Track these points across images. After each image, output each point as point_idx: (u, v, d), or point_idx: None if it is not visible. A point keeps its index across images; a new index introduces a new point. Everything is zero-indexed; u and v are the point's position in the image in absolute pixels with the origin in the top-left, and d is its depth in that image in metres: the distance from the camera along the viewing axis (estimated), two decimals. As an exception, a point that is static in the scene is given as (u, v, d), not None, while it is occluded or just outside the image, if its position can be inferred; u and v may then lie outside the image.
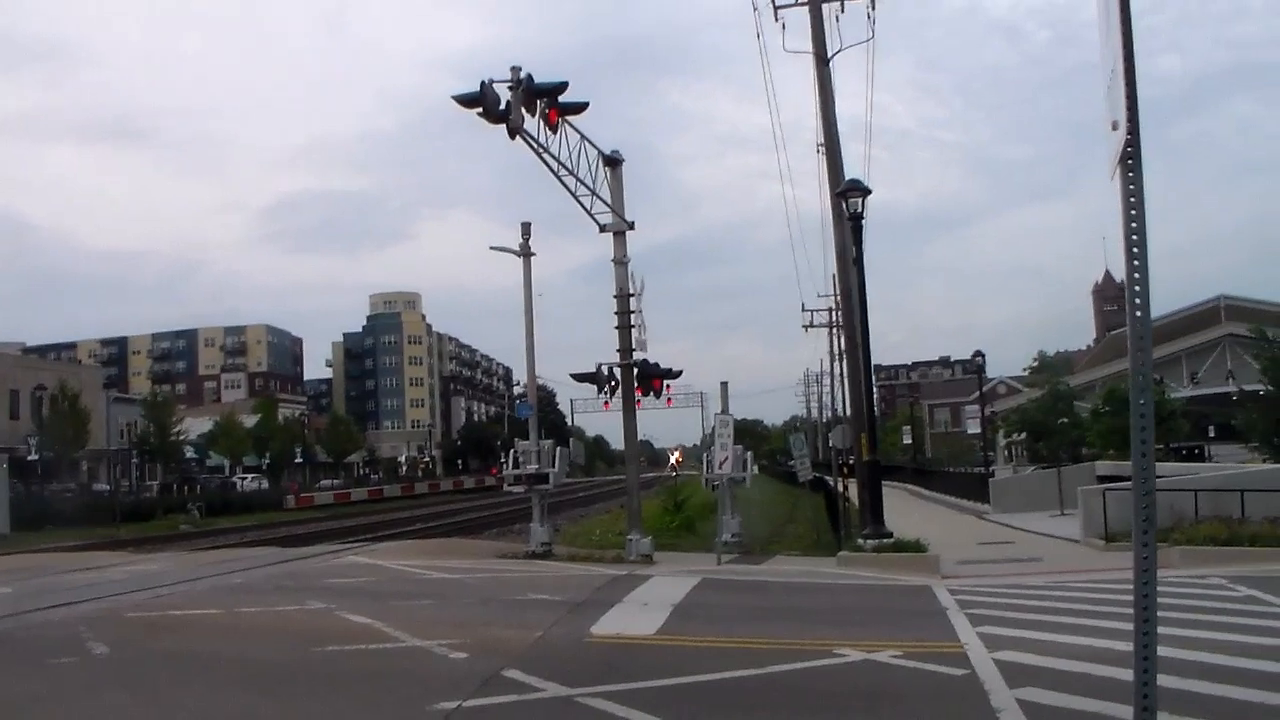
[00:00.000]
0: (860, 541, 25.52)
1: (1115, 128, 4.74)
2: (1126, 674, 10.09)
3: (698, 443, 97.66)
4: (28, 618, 17.95)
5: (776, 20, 31.55)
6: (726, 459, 28.31)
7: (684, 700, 10.66)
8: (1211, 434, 55.16)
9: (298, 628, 16.09)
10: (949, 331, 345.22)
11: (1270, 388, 37.88)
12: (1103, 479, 35.91)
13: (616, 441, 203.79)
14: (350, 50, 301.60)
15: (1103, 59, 4.99)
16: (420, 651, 13.60)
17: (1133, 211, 4.72)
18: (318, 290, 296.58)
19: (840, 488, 35.61)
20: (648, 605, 18.08)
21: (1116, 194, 4.82)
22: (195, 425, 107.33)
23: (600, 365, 28.59)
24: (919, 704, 10.60)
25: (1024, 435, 62.97)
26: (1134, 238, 4.72)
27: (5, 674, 12.84)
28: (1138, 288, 4.72)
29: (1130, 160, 4.69)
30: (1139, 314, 4.75)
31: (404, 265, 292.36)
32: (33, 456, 64.84)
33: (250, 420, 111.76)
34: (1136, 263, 4.71)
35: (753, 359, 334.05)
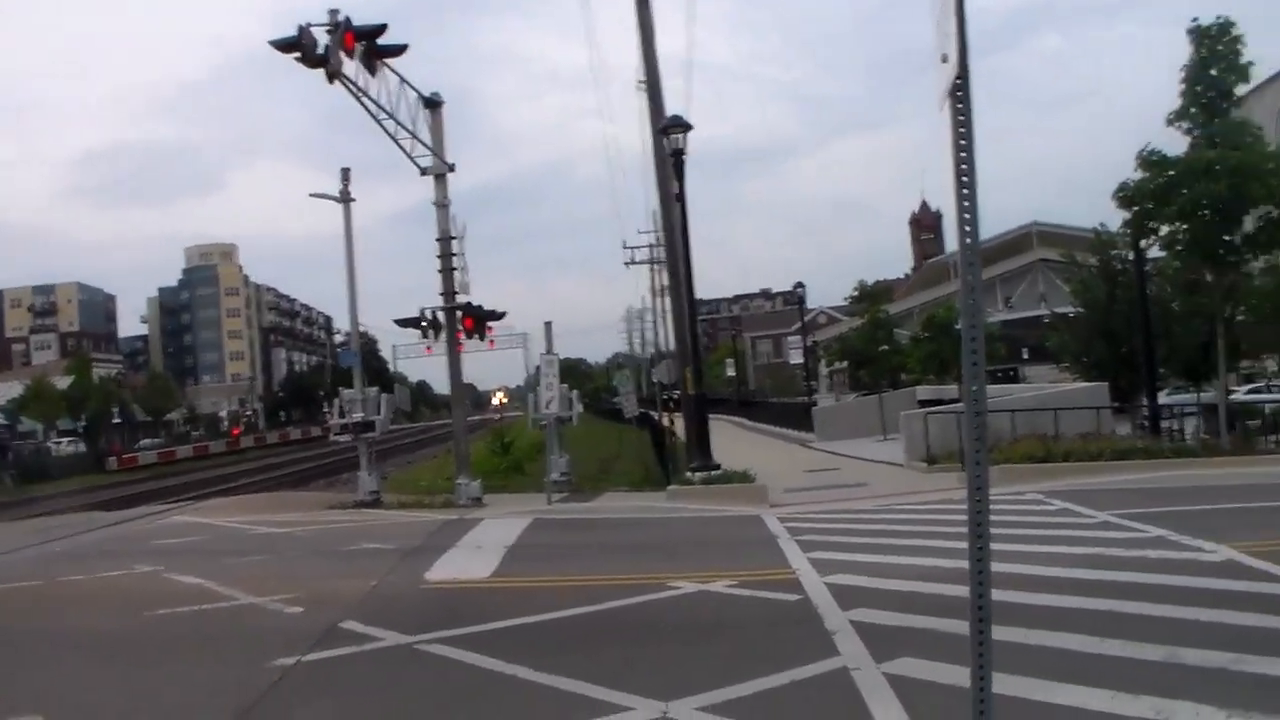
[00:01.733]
0: (689, 475, 25.79)
1: (945, 60, 4.78)
2: (954, 590, 10.44)
3: (521, 384, 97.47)
4: None
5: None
6: (552, 399, 28.32)
7: (524, 641, 10.66)
8: (1025, 356, 56.89)
9: (128, 593, 15.68)
10: (770, 265, 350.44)
11: (1080, 310, 39.09)
12: (923, 403, 36.84)
13: (440, 386, 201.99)
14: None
15: (932, -8, 5.03)
16: (255, 609, 13.41)
17: (962, 143, 4.77)
18: (132, 245, 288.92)
19: (667, 422, 35.87)
20: (481, 548, 18.08)
21: (946, 126, 4.87)
22: (4, 390, 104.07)
23: (424, 310, 28.35)
24: (755, 631, 10.77)
25: (846, 364, 64.13)
26: (963, 169, 4.77)
27: None
28: (967, 216, 4.78)
29: (959, 93, 4.73)
30: (969, 241, 4.82)
31: (221, 216, 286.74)
32: None
33: (63, 382, 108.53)
34: (966, 192, 4.76)
35: (576, 298, 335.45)
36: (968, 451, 5.14)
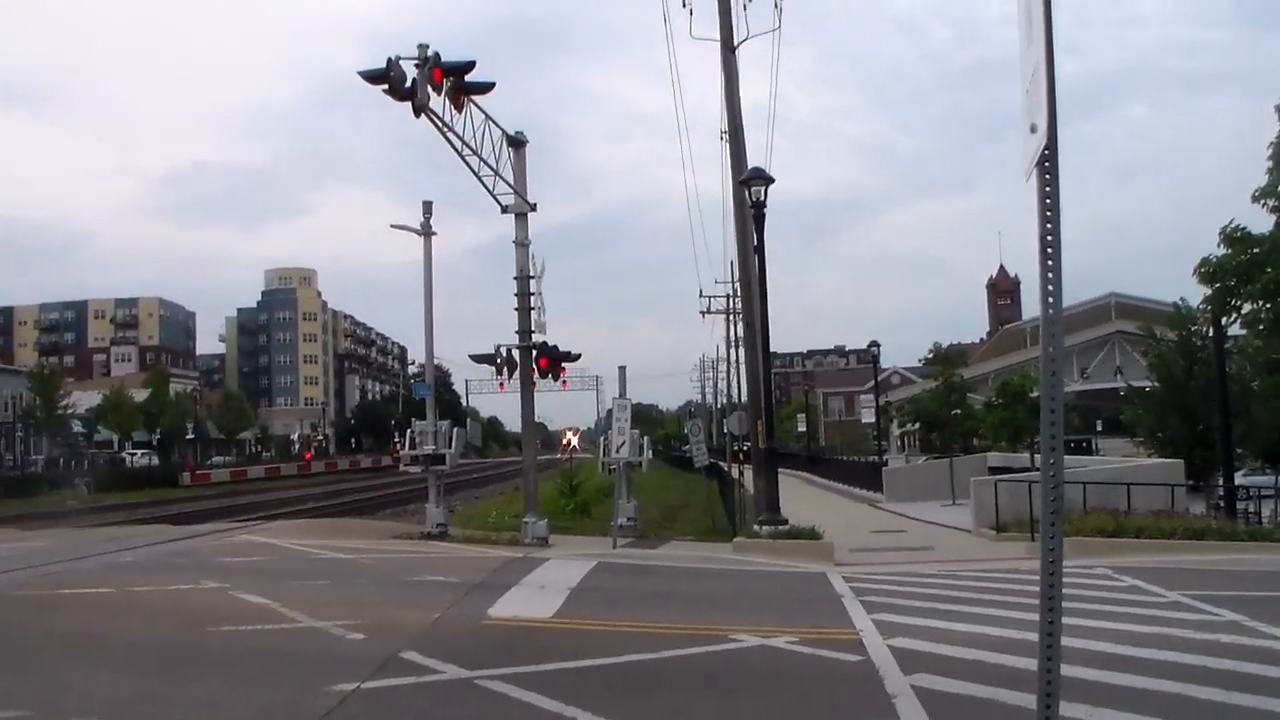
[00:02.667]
0: (756, 528, 25.70)
1: (1034, 130, 4.81)
2: (1019, 661, 10.35)
3: (591, 426, 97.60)
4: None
5: (684, 6, 31.62)
6: (624, 443, 28.35)
7: (582, 684, 10.67)
8: (1099, 428, 56.25)
9: (192, 607, 15.89)
10: (844, 320, 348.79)
11: (1156, 384, 38.65)
12: (994, 470, 36.57)
13: (510, 423, 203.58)
14: (253, 18, 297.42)
15: (1022, 61, 5.05)
16: (317, 632, 13.51)
17: (1048, 214, 4.79)
18: (213, 264, 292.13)
19: (736, 474, 35.77)
20: (544, 588, 18.10)
21: (1030, 192, 4.89)
22: (84, 399, 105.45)
23: (499, 347, 28.40)
24: (815, 689, 10.71)
25: (918, 425, 63.86)
26: (1048, 239, 4.79)
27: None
28: (1051, 287, 4.80)
29: (1048, 163, 4.76)
30: (1052, 311, 4.83)
31: (301, 240, 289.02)
32: (-89, 427, 63.35)
33: (141, 395, 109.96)
34: (1050, 264, 4.78)
35: (649, 343, 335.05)
36: (1043, 523, 5.11)
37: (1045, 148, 4.72)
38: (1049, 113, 4.64)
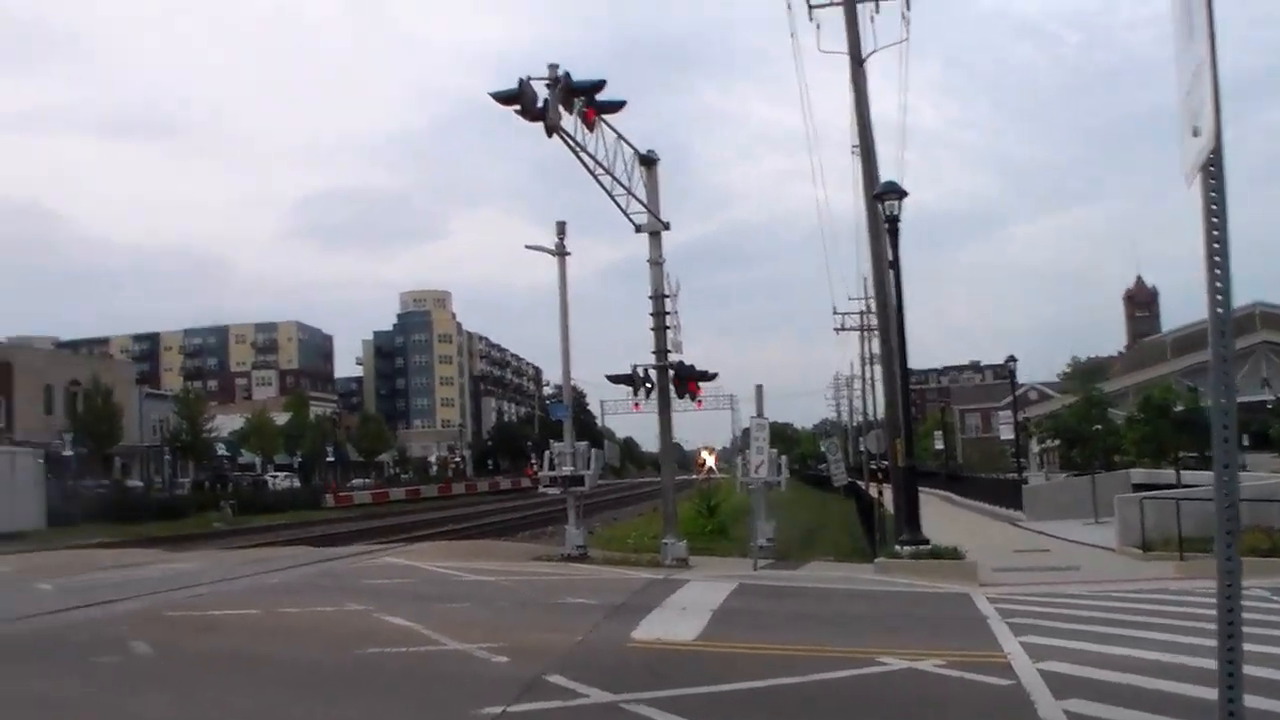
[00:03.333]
0: (897, 548, 25.36)
1: (1197, 134, 4.64)
2: (1175, 686, 10.07)
3: (727, 445, 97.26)
4: (68, 615, 17.99)
5: (811, 20, 31.40)
6: (762, 463, 28.19)
7: (728, 708, 10.59)
8: (1246, 442, 54.85)
9: (338, 629, 16.08)
10: (978, 335, 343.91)
11: (1307, 396, 37.63)
12: (1138, 487, 35.77)
13: (645, 443, 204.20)
14: (383, 47, 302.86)
15: (1179, 62, 4.89)
16: (461, 655, 13.56)
17: (1214, 220, 4.62)
18: (348, 287, 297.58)
19: (875, 493, 35.45)
20: (686, 610, 18.02)
21: (1178, 203, 4.73)
22: (227, 422, 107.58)
23: (636, 366, 28.44)
24: (966, 714, 10.52)
25: (1057, 442, 62.66)
26: (1215, 245, 4.62)
27: (49, 673, 12.89)
28: (1220, 296, 4.63)
29: (1213, 167, 4.59)
30: (1221, 319, 4.66)
31: (435, 263, 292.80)
32: (67, 452, 65.03)
33: (282, 418, 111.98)
34: (1219, 270, 4.61)
35: (782, 361, 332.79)
36: (1218, 543, 4.90)
37: (1210, 151, 4.55)
38: (1214, 114, 4.47)
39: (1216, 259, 4.65)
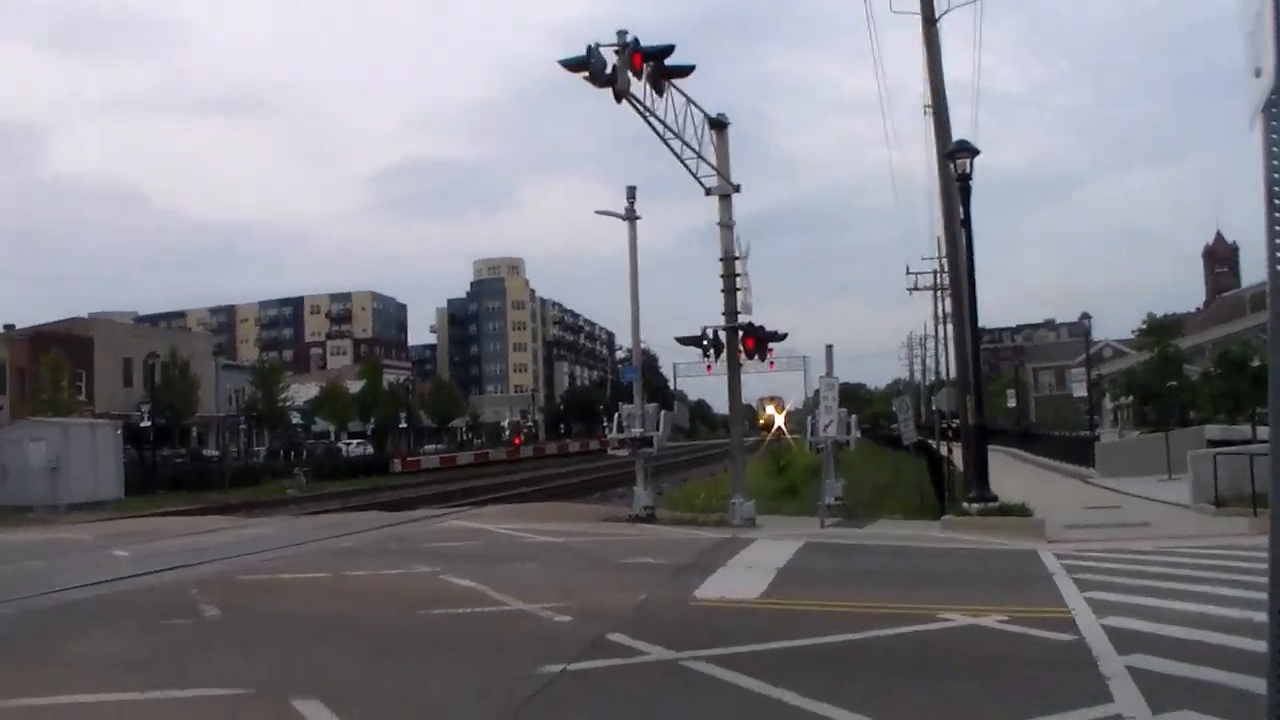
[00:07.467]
0: (965, 505, 25.22)
1: (1259, 74, 4.50)
2: (1241, 642, 9.90)
3: (799, 406, 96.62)
4: (142, 580, 18.22)
5: (884, -21, 31.12)
6: (831, 422, 28.09)
7: (788, 664, 10.53)
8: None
9: (405, 591, 16.18)
10: (1054, 295, 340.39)
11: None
12: (1212, 443, 35.25)
13: (718, 405, 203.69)
14: (456, 19, 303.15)
15: (1244, 3, 4.74)
16: (525, 615, 13.61)
17: (1276, 161, 4.48)
18: (423, 258, 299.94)
19: (944, 451, 35.21)
20: (752, 569, 18.01)
21: (1256, 144, 4.58)
22: (302, 391, 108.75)
23: (705, 328, 28.34)
24: (1026, 669, 10.39)
25: (1131, 399, 62.10)
26: (1276, 189, 4.48)
27: (122, 634, 13.07)
28: (1278, 240, 4.49)
29: (1275, 109, 4.44)
30: (1278, 265, 4.52)
31: (508, 232, 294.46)
32: (145, 423, 65.77)
33: (355, 386, 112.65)
34: (1278, 214, 4.47)
35: (855, 323, 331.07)
36: (1273, 495, 4.76)
37: (1273, 91, 4.40)
38: (1276, 53, 4.32)
39: (1277, 203, 4.51)
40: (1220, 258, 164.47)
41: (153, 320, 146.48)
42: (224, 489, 57.22)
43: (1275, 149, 4.49)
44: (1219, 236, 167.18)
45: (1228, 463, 26.52)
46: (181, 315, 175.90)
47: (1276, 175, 4.48)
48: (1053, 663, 10.53)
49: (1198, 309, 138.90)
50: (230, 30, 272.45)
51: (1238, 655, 9.49)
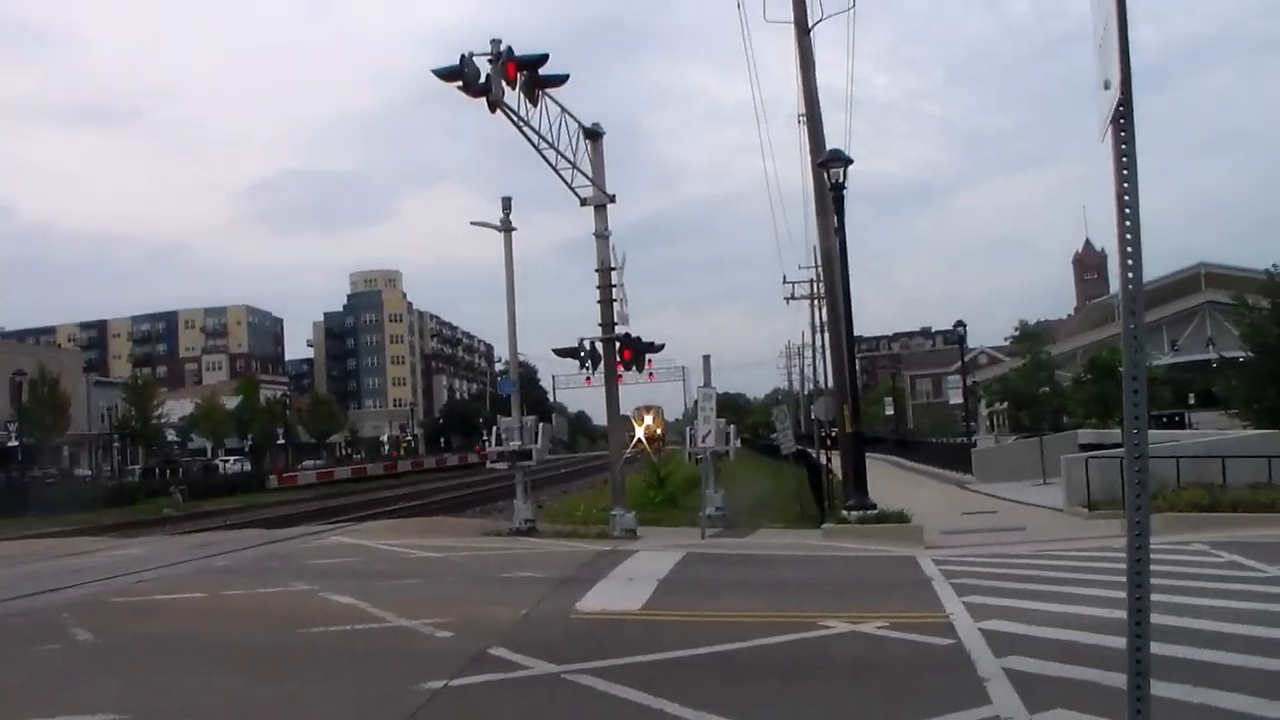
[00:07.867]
0: (844, 513, 25.47)
1: (1107, 87, 4.63)
2: (1113, 641, 10.10)
3: (679, 417, 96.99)
4: (10, 605, 17.78)
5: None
6: (710, 433, 28.25)
7: (670, 675, 10.57)
8: (1192, 401, 55.33)
9: (283, 610, 16.01)
10: (930, 302, 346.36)
11: (1250, 354, 37.89)
12: (1085, 447, 35.94)
13: (598, 417, 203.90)
14: (329, 29, 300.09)
15: (1095, 15, 4.88)
16: (406, 631, 13.53)
17: (1124, 172, 4.62)
18: (299, 271, 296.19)
19: (824, 460, 35.53)
20: (633, 580, 18.05)
21: (1108, 155, 4.71)
22: (176, 408, 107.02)
23: (582, 340, 28.37)
24: (906, 674, 10.56)
25: (1006, 405, 63.10)
26: (1126, 198, 4.62)
27: (-12, 662, 12.74)
28: (1130, 249, 4.63)
29: (1122, 120, 4.58)
30: (1131, 275, 4.65)
31: (385, 244, 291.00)
32: (13, 443, 64.44)
33: (232, 402, 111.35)
34: (1129, 224, 4.61)
35: (734, 332, 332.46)
36: (1128, 498, 4.93)
37: (1120, 104, 4.54)
38: (1122, 67, 4.47)
39: (1127, 211, 4.65)
40: (1089, 264, 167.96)
41: (19, 336, 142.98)
42: (98, 509, 56.06)
43: (1124, 159, 4.62)
44: (1088, 243, 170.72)
45: (1099, 466, 27.07)
46: (51, 331, 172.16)
47: (1126, 185, 4.62)
48: (932, 666, 10.71)
49: (1069, 315, 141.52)
50: (96, 39, 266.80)
51: (1109, 654, 9.67)
